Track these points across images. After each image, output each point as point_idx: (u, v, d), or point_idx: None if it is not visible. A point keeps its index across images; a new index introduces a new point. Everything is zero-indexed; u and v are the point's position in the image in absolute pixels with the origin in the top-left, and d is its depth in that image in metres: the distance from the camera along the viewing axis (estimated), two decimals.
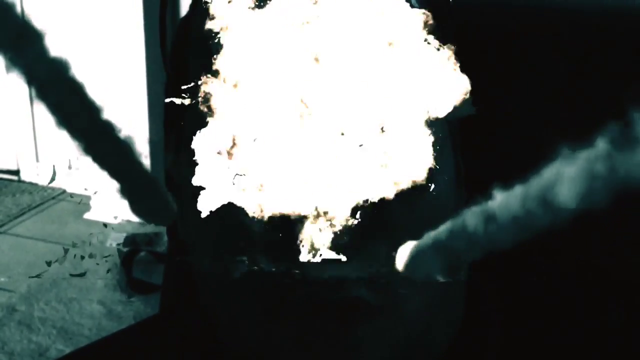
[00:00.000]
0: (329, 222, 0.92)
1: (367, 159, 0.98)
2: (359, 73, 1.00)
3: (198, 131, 1.09)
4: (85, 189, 3.54)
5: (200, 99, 1.05)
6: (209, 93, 1.05)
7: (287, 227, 1.03)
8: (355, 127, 1.01)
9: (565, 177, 0.74)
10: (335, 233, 0.96)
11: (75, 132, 3.40)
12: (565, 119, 1.65)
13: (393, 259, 0.98)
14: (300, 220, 1.00)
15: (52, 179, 3.49)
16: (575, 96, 1.65)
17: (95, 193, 3.45)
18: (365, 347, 0.98)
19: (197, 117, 1.10)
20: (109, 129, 3.26)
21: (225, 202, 1.01)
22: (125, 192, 3.22)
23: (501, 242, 0.81)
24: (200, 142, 1.05)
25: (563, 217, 0.75)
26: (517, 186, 0.83)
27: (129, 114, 2.99)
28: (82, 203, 3.49)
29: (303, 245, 1.00)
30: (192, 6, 1.34)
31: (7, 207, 3.52)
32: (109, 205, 3.37)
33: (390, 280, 1.02)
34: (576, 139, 0.81)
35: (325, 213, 0.96)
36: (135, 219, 3.34)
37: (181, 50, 1.32)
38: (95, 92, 3.39)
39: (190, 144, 1.10)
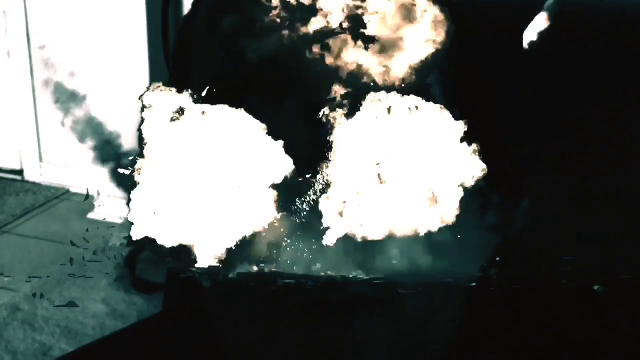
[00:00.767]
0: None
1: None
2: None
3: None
4: (87, 189, 3.55)
5: None
6: None
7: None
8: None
9: None
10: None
11: (77, 133, 3.42)
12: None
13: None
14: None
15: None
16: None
17: (98, 193, 3.46)
18: (365, 346, 0.98)
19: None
20: (109, 127, 3.27)
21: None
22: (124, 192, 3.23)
23: None
24: None
25: None
26: None
27: (130, 114, 2.99)
28: (85, 202, 3.50)
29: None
30: (194, 5, 1.35)
31: (10, 207, 3.53)
32: (113, 205, 3.37)
33: (390, 281, 1.03)
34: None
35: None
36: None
37: (184, 49, 1.33)
38: (96, 92, 3.40)
39: None
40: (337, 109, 1.71)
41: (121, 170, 1.94)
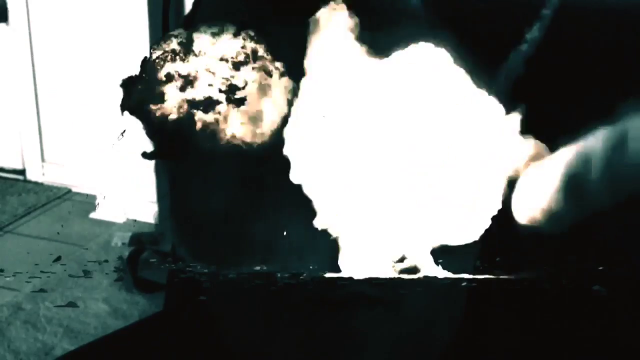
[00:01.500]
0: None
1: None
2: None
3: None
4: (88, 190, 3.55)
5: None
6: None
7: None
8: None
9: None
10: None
11: (80, 132, 3.42)
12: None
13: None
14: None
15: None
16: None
17: (101, 194, 3.47)
18: (365, 345, 0.98)
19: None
20: (111, 127, 3.27)
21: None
22: (125, 192, 3.23)
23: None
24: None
25: None
26: None
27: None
28: (87, 202, 3.51)
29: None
30: (194, 5, 1.35)
31: (12, 206, 3.54)
32: (115, 205, 3.39)
33: (391, 279, 1.03)
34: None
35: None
36: (140, 218, 3.35)
37: None
38: (97, 91, 3.41)
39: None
40: None
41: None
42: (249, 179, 1.07)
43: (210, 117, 1.24)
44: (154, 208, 3.05)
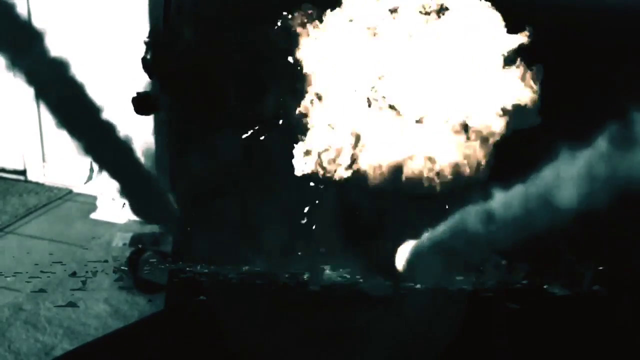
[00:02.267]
0: None
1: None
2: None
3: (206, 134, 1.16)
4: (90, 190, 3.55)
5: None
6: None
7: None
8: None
9: (565, 177, 0.76)
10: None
11: (79, 132, 3.42)
12: (564, 119, 1.65)
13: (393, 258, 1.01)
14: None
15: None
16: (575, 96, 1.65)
17: (101, 194, 3.46)
18: (367, 344, 0.98)
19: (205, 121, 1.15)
20: (112, 128, 3.27)
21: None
22: (126, 192, 3.23)
23: (501, 242, 0.83)
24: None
25: (563, 217, 0.76)
26: (517, 186, 0.85)
27: (133, 113, 2.99)
28: (88, 203, 3.50)
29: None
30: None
31: (13, 207, 3.54)
32: (116, 205, 3.38)
33: (392, 280, 1.03)
34: (576, 140, 0.82)
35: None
36: (141, 219, 3.34)
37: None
38: (98, 91, 3.40)
39: (197, 147, 1.14)
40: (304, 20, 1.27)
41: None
42: (249, 148, 1.08)
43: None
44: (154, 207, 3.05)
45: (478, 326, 1.30)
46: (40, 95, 3.68)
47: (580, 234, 1.73)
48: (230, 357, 1.09)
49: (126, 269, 2.85)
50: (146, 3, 3.15)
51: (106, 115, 3.37)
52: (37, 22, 3.55)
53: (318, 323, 1.01)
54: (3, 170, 3.89)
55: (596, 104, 1.53)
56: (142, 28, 3.21)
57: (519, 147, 1.54)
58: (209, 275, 1.27)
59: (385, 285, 1.16)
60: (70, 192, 3.72)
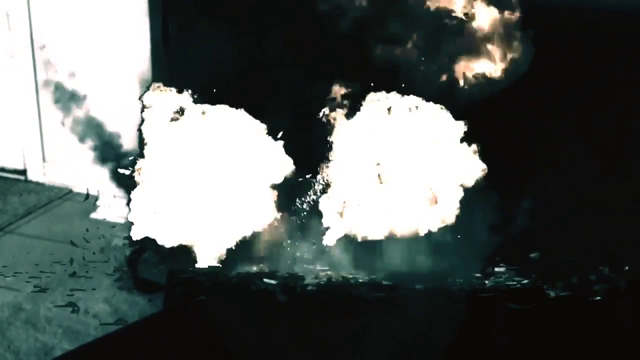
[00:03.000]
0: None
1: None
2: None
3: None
4: (87, 189, 3.55)
5: None
6: None
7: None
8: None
9: None
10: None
11: (81, 132, 3.42)
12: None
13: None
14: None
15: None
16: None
17: (102, 193, 3.46)
18: (365, 345, 0.98)
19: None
20: (110, 128, 3.28)
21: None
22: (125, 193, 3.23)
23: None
24: None
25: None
26: None
27: (131, 114, 2.99)
28: (88, 202, 3.50)
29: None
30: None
31: (13, 206, 3.53)
32: (115, 205, 3.38)
33: (391, 281, 1.03)
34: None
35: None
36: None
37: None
38: (96, 92, 3.41)
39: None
40: (337, 109, 1.73)
41: (121, 170, 1.98)
42: None
43: None
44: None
45: (478, 326, 1.30)
46: (40, 95, 3.68)
47: (581, 233, 1.73)
48: (230, 357, 1.09)
49: (126, 268, 2.85)
50: (146, 3, 3.16)
51: (105, 114, 3.38)
52: (37, 22, 3.56)
53: (316, 324, 1.01)
54: (3, 169, 3.89)
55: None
56: (143, 28, 3.22)
57: None
58: (208, 275, 1.28)
59: (384, 285, 1.18)
60: (70, 191, 3.72)
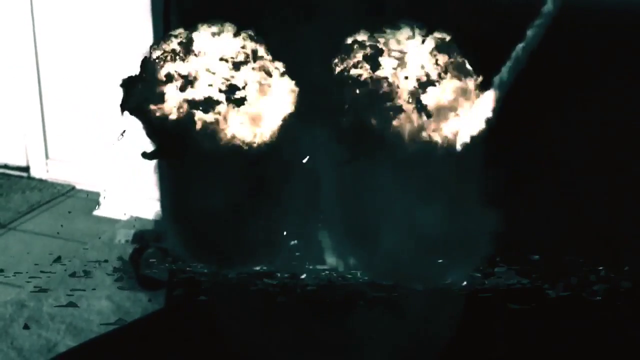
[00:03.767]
0: None
1: None
2: None
3: None
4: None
5: None
6: None
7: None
8: None
9: None
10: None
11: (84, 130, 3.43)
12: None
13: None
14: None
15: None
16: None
17: (104, 190, 3.47)
18: (364, 344, 0.99)
19: None
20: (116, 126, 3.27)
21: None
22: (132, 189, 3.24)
23: None
24: None
25: None
26: None
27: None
28: (91, 200, 3.51)
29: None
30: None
31: (16, 203, 3.54)
32: (118, 202, 3.39)
33: (391, 280, 1.04)
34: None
35: None
36: (143, 215, 3.35)
37: None
38: (100, 89, 3.41)
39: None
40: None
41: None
42: (248, 179, 1.08)
43: (210, 117, 1.26)
44: (157, 206, 3.06)
45: (478, 326, 1.31)
46: (43, 92, 3.69)
47: (581, 233, 1.74)
48: (230, 357, 1.10)
49: (128, 266, 2.86)
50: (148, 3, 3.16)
51: (109, 112, 3.38)
52: (40, 20, 3.57)
53: (316, 323, 1.02)
54: (6, 166, 3.90)
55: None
56: (145, 26, 3.22)
57: None
58: (209, 275, 1.28)
59: (384, 285, 1.18)
60: (73, 188, 3.73)
